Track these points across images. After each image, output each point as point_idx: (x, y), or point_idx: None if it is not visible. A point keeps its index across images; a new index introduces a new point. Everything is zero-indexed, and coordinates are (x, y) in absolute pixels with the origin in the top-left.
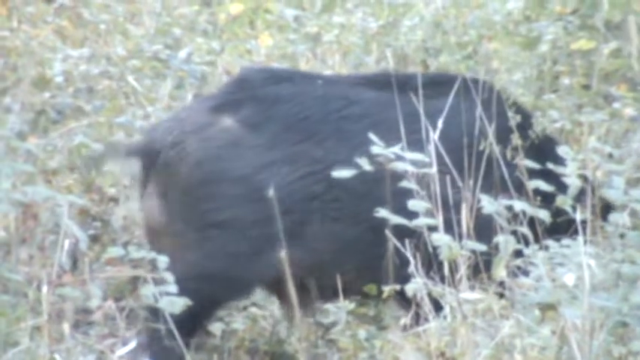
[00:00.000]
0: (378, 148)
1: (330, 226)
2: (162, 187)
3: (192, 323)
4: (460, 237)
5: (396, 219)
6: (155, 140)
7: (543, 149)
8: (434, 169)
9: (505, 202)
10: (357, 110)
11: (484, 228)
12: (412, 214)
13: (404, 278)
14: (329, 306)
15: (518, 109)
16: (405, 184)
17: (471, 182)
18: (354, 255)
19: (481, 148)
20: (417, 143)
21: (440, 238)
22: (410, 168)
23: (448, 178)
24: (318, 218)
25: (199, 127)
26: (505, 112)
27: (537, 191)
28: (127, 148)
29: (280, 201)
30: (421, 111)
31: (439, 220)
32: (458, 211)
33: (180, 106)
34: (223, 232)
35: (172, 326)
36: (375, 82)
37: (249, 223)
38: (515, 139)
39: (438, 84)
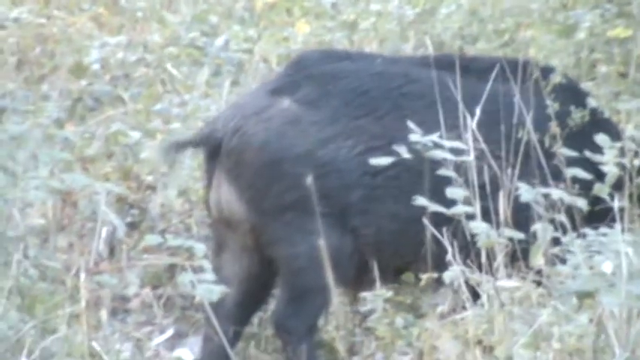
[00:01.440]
0: (415, 135)
1: (391, 205)
2: (232, 176)
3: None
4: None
5: (433, 206)
6: (217, 129)
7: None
8: (471, 157)
9: (543, 190)
10: (416, 88)
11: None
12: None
13: (444, 266)
14: (366, 294)
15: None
16: (443, 171)
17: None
18: (412, 238)
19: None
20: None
21: (477, 226)
22: (448, 156)
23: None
24: (380, 195)
25: (259, 110)
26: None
27: (575, 179)
28: (191, 140)
29: (345, 175)
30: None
31: (477, 208)
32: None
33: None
34: (298, 214)
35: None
36: (437, 63)
37: (318, 201)
38: (554, 127)
39: (501, 68)
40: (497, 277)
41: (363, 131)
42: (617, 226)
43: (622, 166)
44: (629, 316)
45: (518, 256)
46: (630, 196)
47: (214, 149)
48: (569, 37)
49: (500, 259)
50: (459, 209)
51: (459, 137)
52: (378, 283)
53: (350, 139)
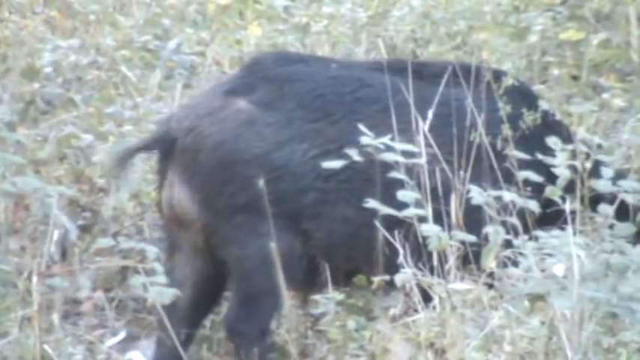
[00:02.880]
0: (367, 138)
1: (343, 209)
2: (185, 176)
3: (269, 318)
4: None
5: (385, 209)
6: (171, 128)
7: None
8: (423, 160)
9: (494, 192)
10: (370, 93)
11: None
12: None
13: (396, 269)
14: (318, 297)
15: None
16: (394, 174)
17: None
18: (364, 241)
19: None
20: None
21: (429, 229)
22: (400, 159)
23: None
24: (332, 198)
25: (213, 110)
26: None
27: (527, 181)
28: (143, 143)
29: (298, 179)
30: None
31: (428, 211)
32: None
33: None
34: (249, 215)
35: None
36: (390, 67)
37: (270, 203)
38: (506, 130)
39: (453, 72)
40: (449, 279)
41: (317, 135)
42: (569, 228)
43: (573, 169)
44: (580, 319)
45: (470, 258)
46: (582, 198)
47: (168, 148)
48: (522, 40)
49: (452, 261)
50: (411, 212)
51: (412, 141)
52: (330, 286)
53: (304, 143)
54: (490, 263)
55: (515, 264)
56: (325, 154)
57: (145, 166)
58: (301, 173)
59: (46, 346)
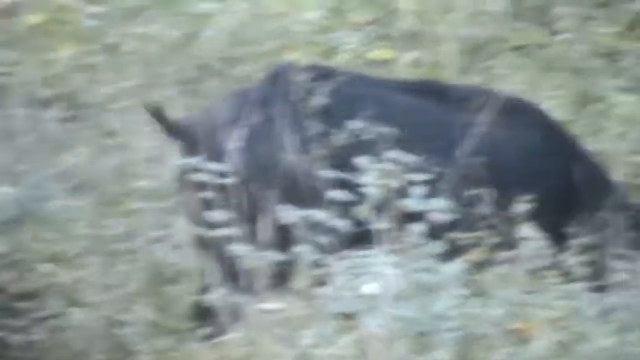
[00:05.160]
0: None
1: None
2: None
3: None
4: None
5: (195, 229)
6: (187, 132)
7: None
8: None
9: (305, 212)
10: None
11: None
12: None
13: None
14: (127, 317)
15: None
16: (205, 194)
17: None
18: None
19: None
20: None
21: (240, 248)
22: (208, 179)
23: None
24: None
25: (228, 121)
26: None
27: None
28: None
29: None
30: None
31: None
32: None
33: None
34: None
35: None
36: (414, 89)
37: None
38: (317, 149)
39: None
40: (261, 299)
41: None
42: (379, 247)
43: (383, 188)
44: (391, 338)
45: (282, 278)
46: (393, 217)
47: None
48: (331, 59)
49: (262, 281)
50: (221, 232)
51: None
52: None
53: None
54: (302, 282)
55: (327, 283)
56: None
57: None
58: None
59: None
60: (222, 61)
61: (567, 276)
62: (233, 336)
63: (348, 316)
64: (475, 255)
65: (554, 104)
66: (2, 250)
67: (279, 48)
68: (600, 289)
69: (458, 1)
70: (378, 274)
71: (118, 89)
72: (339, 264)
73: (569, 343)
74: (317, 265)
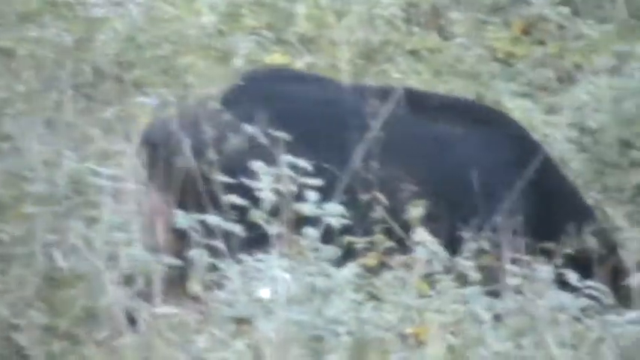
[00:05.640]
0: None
1: None
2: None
3: None
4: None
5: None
6: (152, 135)
7: None
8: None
9: (199, 216)
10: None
11: None
12: None
13: None
14: (20, 321)
15: None
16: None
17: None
18: None
19: None
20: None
21: (135, 253)
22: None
23: None
24: None
25: (194, 122)
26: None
27: (233, 205)
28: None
29: None
30: None
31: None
32: None
33: None
34: None
35: None
36: (382, 94)
37: None
38: (211, 154)
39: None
40: (155, 303)
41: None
42: (274, 251)
43: (278, 192)
44: (285, 342)
45: (176, 282)
46: (287, 221)
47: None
48: (227, 64)
49: (157, 285)
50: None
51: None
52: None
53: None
54: (195, 287)
55: (221, 287)
56: None
57: None
58: None
59: None
60: (117, 65)
61: (462, 280)
62: (128, 340)
63: (242, 321)
64: (370, 259)
65: None
66: None
67: (174, 52)
68: (495, 293)
69: (352, 5)
70: (272, 279)
71: (12, 93)
72: (234, 268)
73: (463, 347)
74: (212, 269)
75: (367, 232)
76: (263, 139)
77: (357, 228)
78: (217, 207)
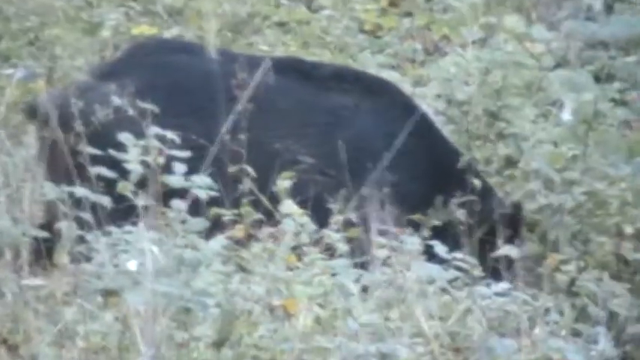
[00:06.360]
0: None
1: None
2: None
3: None
4: None
5: None
6: (41, 106)
7: None
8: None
9: (67, 188)
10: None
11: None
12: None
13: None
14: None
15: None
16: None
17: None
18: None
19: None
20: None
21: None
22: None
23: None
24: None
25: (82, 92)
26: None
27: (101, 177)
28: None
29: None
30: None
31: None
32: None
33: None
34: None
35: None
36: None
37: None
38: (78, 126)
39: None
40: (22, 274)
41: (181, 130)
42: (142, 224)
43: (146, 164)
44: (154, 314)
45: (44, 254)
46: (155, 193)
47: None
48: (94, 36)
49: (25, 256)
50: None
51: None
52: None
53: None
54: (63, 259)
55: (89, 259)
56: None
57: None
58: None
59: None
60: None
61: (330, 252)
62: None
63: (111, 293)
64: (237, 231)
65: None
66: None
67: (41, 24)
68: (363, 265)
69: None
70: (140, 251)
71: None
72: (102, 240)
73: (331, 319)
74: (79, 241)
75: (235, 204)
76: (131, 111)
77: (225, 200)
78: (86, 179)
